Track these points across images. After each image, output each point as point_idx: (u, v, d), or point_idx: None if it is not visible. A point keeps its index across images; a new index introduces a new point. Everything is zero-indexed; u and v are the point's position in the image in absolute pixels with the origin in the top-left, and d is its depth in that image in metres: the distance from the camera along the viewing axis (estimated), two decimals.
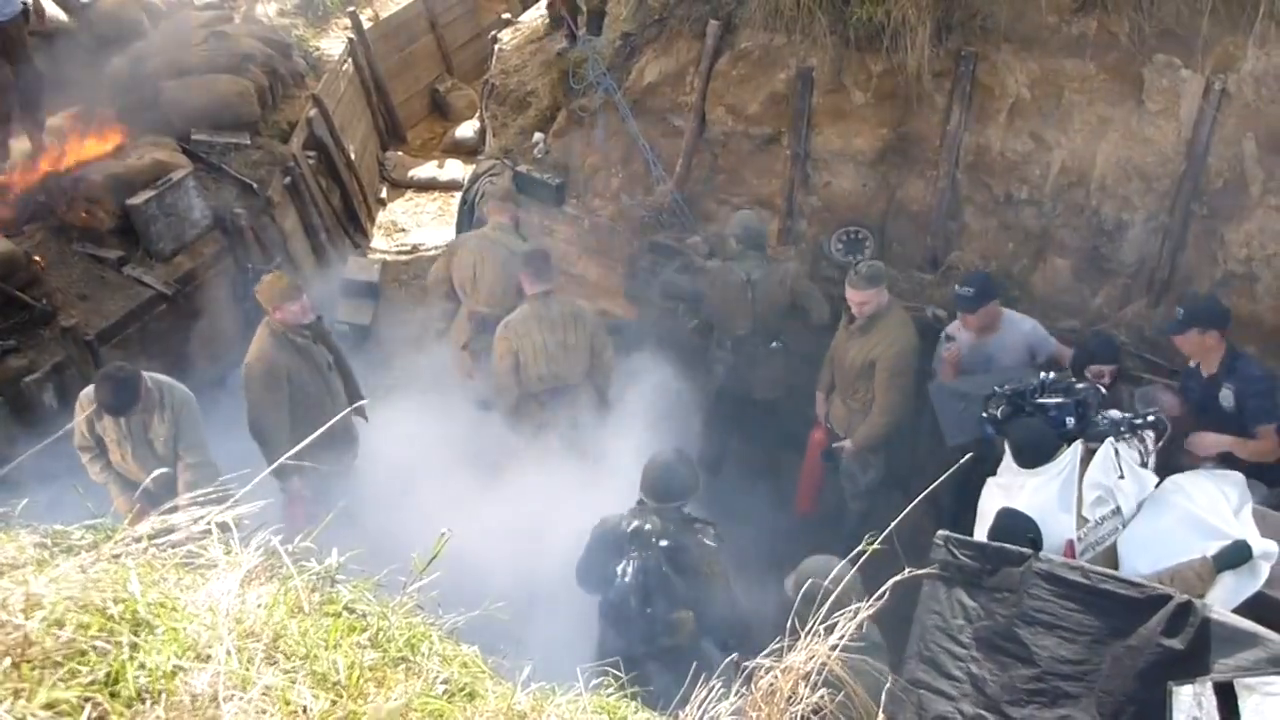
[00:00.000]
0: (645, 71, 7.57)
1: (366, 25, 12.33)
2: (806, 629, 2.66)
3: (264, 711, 1.81)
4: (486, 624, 2.63)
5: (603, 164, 7.94)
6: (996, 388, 4.98)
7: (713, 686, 2.51)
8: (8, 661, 1.72)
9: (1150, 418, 4.68)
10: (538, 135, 8.32)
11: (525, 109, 8.64)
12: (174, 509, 2.27)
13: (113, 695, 1.75)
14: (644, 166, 7.63)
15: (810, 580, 4.18)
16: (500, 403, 6.53)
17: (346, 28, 12.23)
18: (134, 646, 1.83)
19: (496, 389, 6.50)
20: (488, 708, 2.18)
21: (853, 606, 2.71)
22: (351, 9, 12.34)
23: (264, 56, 10.25)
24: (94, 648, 1.80)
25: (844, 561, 4.23)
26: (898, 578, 2.88)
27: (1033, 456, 4.53)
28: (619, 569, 4.67)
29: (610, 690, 2.65)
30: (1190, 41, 5.75)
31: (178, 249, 8.26)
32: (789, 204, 7.19)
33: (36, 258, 7.56)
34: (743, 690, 2.60)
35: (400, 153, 12.79)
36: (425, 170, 12.31)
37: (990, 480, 4.74)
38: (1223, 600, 3.75)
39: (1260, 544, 3.98)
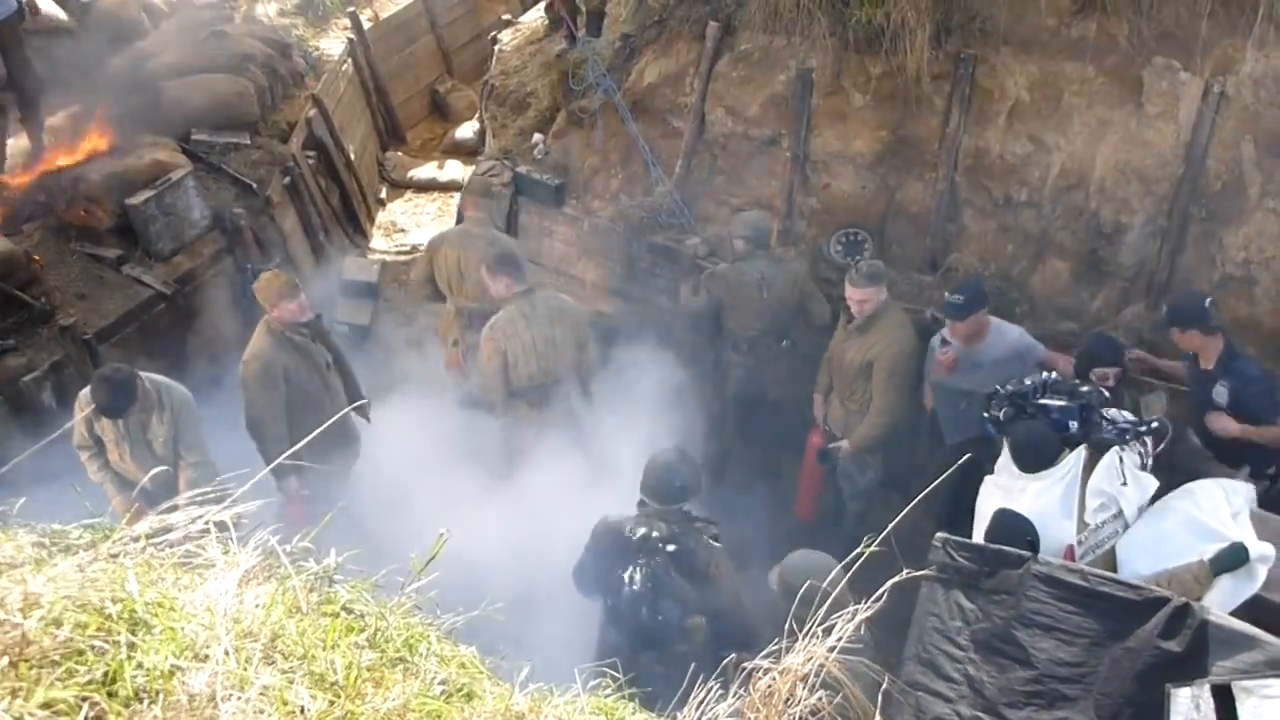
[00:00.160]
0: (645, 73, 7.57)
1: (366, 25, 12.32)
2: (804, 630, 2.67)
3: (261, 711, 1.81)
4: (486, 624, 2.63)
5: (602, 165, 7.94)
6: (999, 387, 4.96)
7: (710, 687, 2.51)
8: (5, 660, 1.72)
9: (1154, 424, 4.67)
10: (537, 136, 8.32)
11: (525, 110, 8.64)
12: (173, 508, 2.28)
13: (110, 695, 1.75)
14: (643, 168, 7.64)
15: (793, 576, 4.21)
16: (486, 401, 6.50)
17: (346, 28, 12.22)
18: (132, 646, 1.83)
19: (484, 389, 6.48)
20: (485, 708, 2.18)
21: (850, 608, 2.71)
22: (351, 9, 12.33)
23: (264, 56, 10.23)
24: (92, 647, 1.80)
25: (825, 556, 4.26)
26: (895, 579, 2.88)
27: (1035, 460, 4.50)
28: (625, 575, 4.58)
29: (608, 691, 2.65)
30: (1189, 44, 5.76)
31: (177, 249, 8.25)
32: (788, 205, 7.19)
33: (35, 257, 7.55)
34: (740, 691, 2.59)
35: (400, 153, 12.78)
36: (425, 171, 12.30)
37: (988, 479, 4.72)
38: (1220, 603, 3.76)
39: (1257, 547, 3.99)
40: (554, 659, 3.21)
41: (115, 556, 2.10)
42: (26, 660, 1.74)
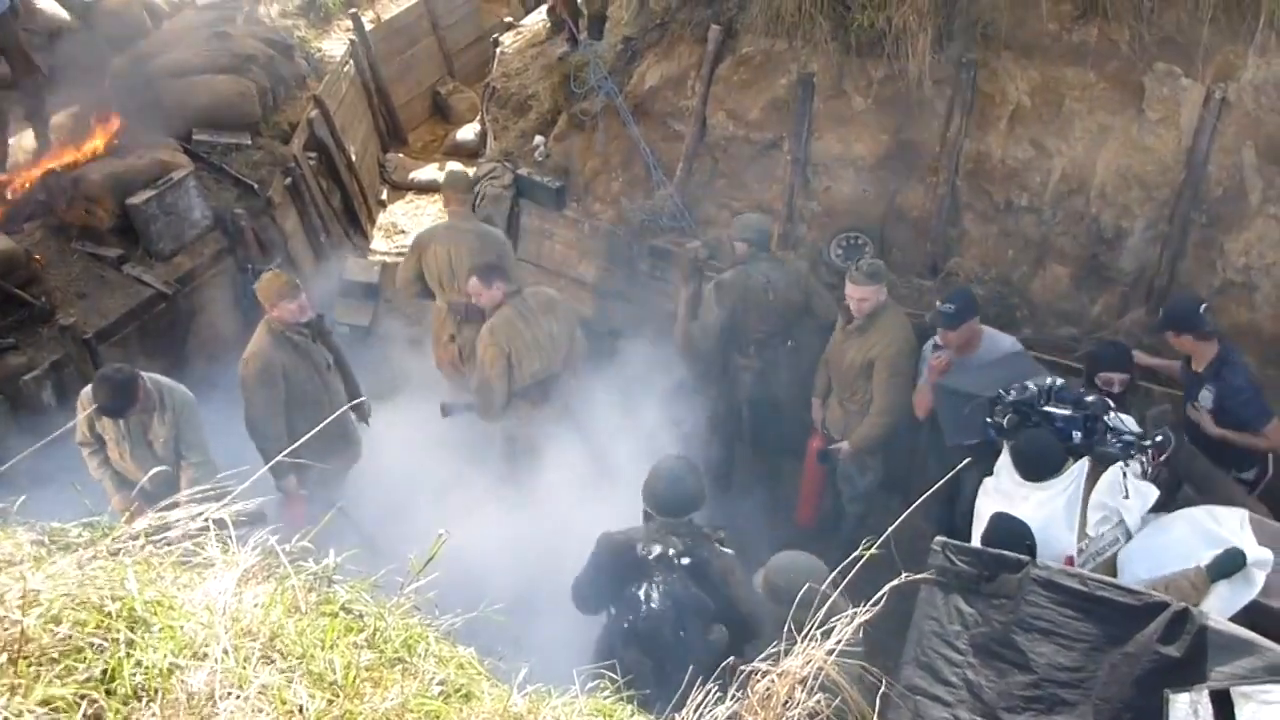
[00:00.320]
0: (646, 76, 7.58)
1: (368, 27, 12.32)
2: (803, 633, 2.66)
3: (260, 710, 1.80)
4: (484, 625, 2.63)
5: (603, 168, 7.95)
6: (1003, 391, 4.91)
7: (708, 690, 2.51)
8: (4, 657, 1.72)
9: (1158, 438, 4.63)
10: (538, 138, 8.33)
11: (526, 112, 8.65)
12: (173, 505, 2.28)
13: (109, 693, 1.75)
14: (644, 170, 7.64)
15: (778, 578, 4.20)
16: (484, 406, 6.46)
17: (348, 29, 12.22)
18: (130, 644, 1.83)
19: (482, 392, 6.40)
20: (483, 709, 2.18)
21: (849, 611, 2.71)
22: (354, 11, 12.34)
23: (266, 57, 10.23)
24: (90, 645, 1.80)
25: (810, 558, 4.25)
26: (894, 582, 2.87)
27: (1039, 470, 4.45)
28: (641, 594, 4.43)
29: (606, 693, 2.64)
30: (1191, 50, 5.77)
31: (177, 248, 8.24)
32: (789, 209, 7.20)
33: (36, 256, 7.55)
34: (738, 694, 2.59)
35: (401, 155, 12.78)
36: (426, 172, 12.29)
37: (987, 481, 4.69)
38: (1218, 609, 3.74)
39: (1255, 551, 3.98)
40: (554, 660, 3.21)
41: (115, 554, 2.10)
42: (26, 657, 1.74)
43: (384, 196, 12.10)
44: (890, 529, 3.01)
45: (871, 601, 2.77)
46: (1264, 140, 5.71)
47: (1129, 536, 4.40)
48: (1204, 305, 5.22)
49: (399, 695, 2.02)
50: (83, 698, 1.71)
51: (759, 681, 2.59)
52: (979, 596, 3.66)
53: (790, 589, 3.78)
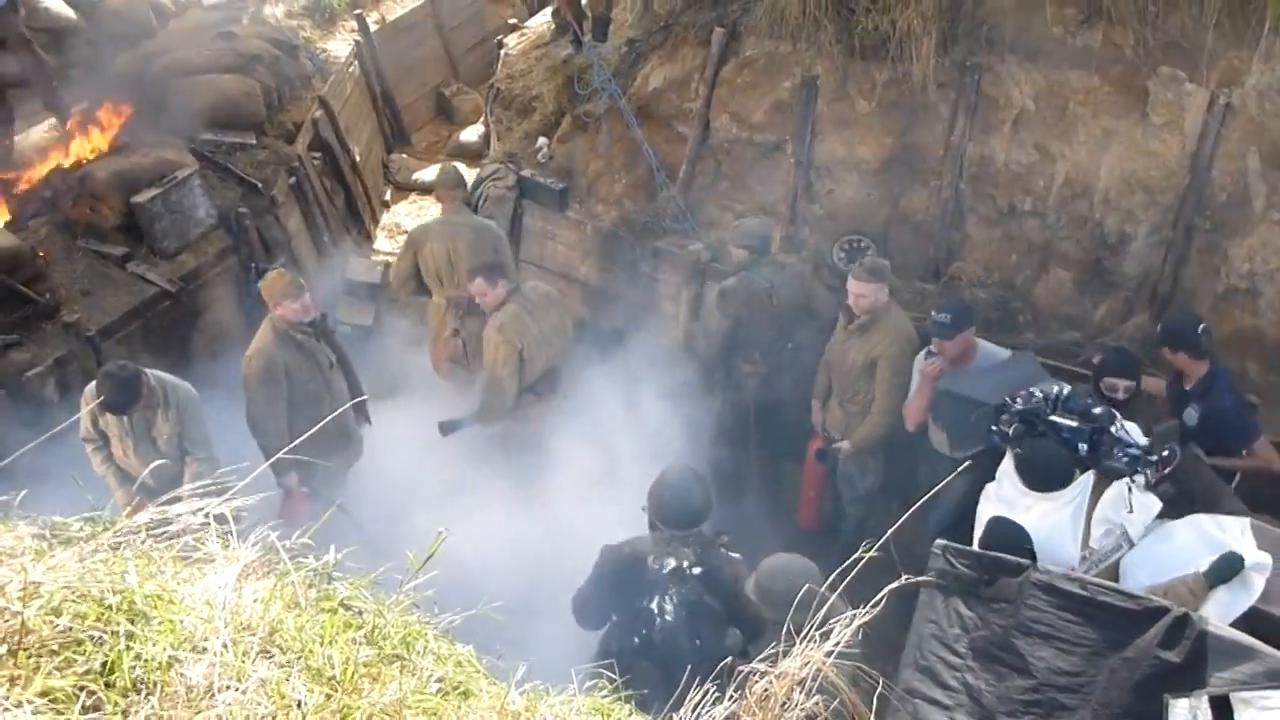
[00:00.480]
0: (650, 78, 7.59)
1: (373, 28, 12.35)
2: (801, 634, 2.66)
3: (258, 704, 1.81)
4: (484, 623, 2.63)
5: (606, 169, 7.96)
6: (1009, 399, 4.85)
7: (706, 690, 2.51)
8: (4, 648, 1.72)
9: (1165, 453, 4.59)
10: (542, 140, 8.34)
11: (530, 114, 8.67)
12: (175, 499, 2.28)
13: (108, 685, 1.75)
14: (647, 172, 7.65)
15: (769, 581, 4.18)
16: (494, 408, 6.45)
17: (353, 30, 12.25)
18: (130, 637, 1.83)
19: (492, 390, 6.41)
20: (481, 706, 2.18)
21: (849, 613, 2.71)
22: (359, 11, 12.37)
23: (271, 57, 10.27)
24: (90, 637, 1.80)
25: (802, 560, 4.24)
26: (893, 585, 2.87)
27: (1045, 481, 4.39)
28: (654, 607, 4.35)
29: (604, 692, 2.64)
30: (1195, 55, 5.76)
31: (182, 247, 8.27)
32: (792, 212, 7.20)
33: (41, 253, 7.59)
34: (736, 695, 2.59)
35: (405, 155, 12.80)
36: (429, 173, 12.27)
37: (989, 488, 4.66)
38: (1217, 615, 3.74)
39: (1254, 555, 3.97)
40: (553, 660, 3.21)
41: (116, 547, 2.11)
42: (25, 649, 1.74)
43: (388, 197, 12.13)
44: (890, 531, 3.01)
45: (871, 604, 2.77)
46: (1268, 146, 5.71)
47: (1132, 545, 4.38)
48: (1202, 326, 5.23)
49: (397, 691, 2.02)
50: (82, 689, 1.71)
51: (757, 682, 2.59)
52: (979, 600, 3.66)
53: (783, 592, 3.78)
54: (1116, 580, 4.25)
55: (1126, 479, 4.37)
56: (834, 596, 2.86)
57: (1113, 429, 4.54)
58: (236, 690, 1.80)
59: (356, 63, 11.87)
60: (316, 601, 2.29)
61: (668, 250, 7.55)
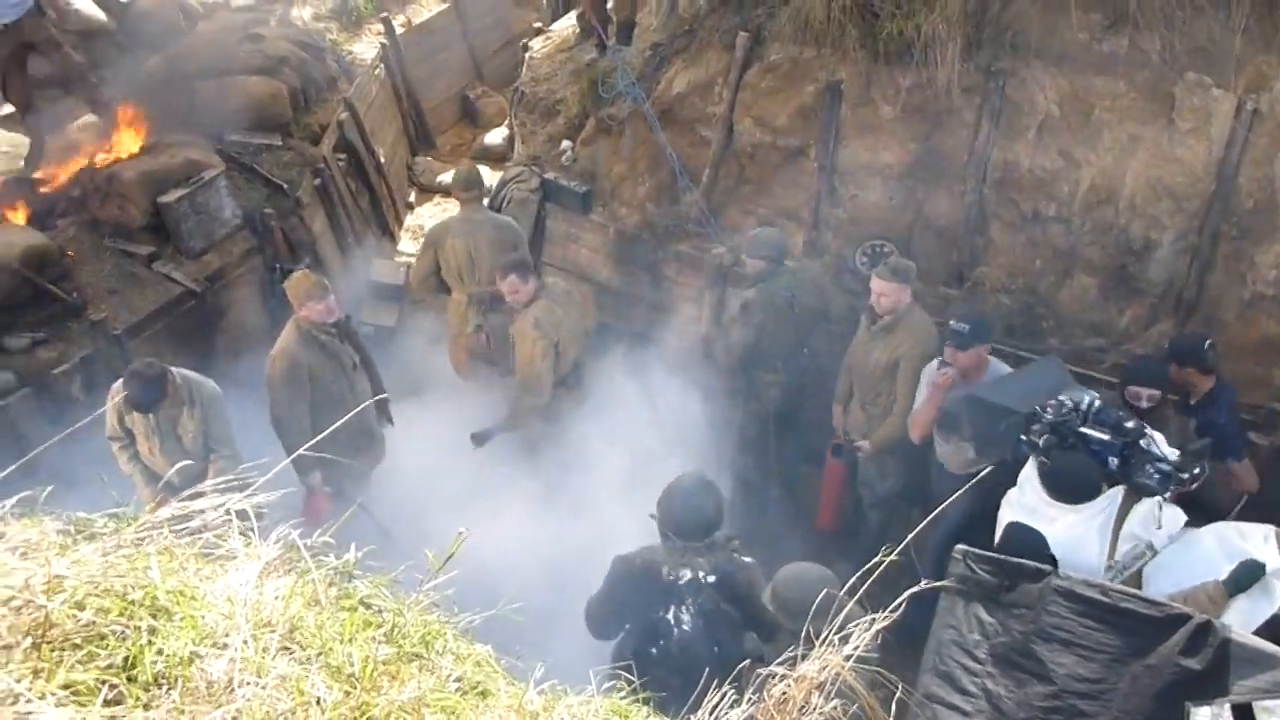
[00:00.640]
0: (674, 82, 7.60)
1: (399, 31, 12.41)
2: (821, 638, 2.66)
3: (278, 700, 1.82)
4: (503, 624, 2.64)
5: (629, 173, 7.97)
6: (1039, 409, 4.78)
7: (724, 693, 2.51)
8: (28, 641, 1.74)
9: (1197, 470, 4.53)
10: (566, 143, 8.36)
11: (554, 117, 8.68)
12: (197, 495, 2.30)
13: (130, 679, 1.77)
14: (671, 176, 7.66)
15: (786, 589, 4.16)
16: (528, 406, 6.49)
17: (379, 33, 12.32)
18: (152, 632, 1.85)
19: (528, 386, 6.41)
20: (499, 705, 2.18)
21: (867, 617, 2.70)
22: (385, 14, 12.44)
23: (297, 60, 10.34)
24: (113, 632, 1.82)
25: (819, 568, 4.22)
26: (913, 590, 2.86)
27: (1073, 494, 4.35)
28: (670, 617, 4.33)
29: (622, 694, 2.65)
30: (1222, 60, 5.72)
31: (207, 247, 8.34)
32: (815, 216, 7.19)
33: (68, 252, 7.67)
34: (754, 697, 2.59)
35: (429, 158, 12.85)
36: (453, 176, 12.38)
37: (1011, 494, 4.62)
38: (1238, 623, 3.70)
39: (1276, 563, 3.92)
40: (571, 661, 3.21)
41: (139, 544, 2.13)
42: (49, 642, 1.76)
43: (412, 199, 12.18)
44: (910, 536, 3.00)
45: (890, 609, 2.76)
46: None
47: (1155, 552, 4.34)
48: (1209, 342, 5.41)
49: (416, 689, 2.03)
50: (104, 683, 1.73)
51: (775, 685, 2.58)
52: (999, 606, 3.64)
53: (800, 601, 3.76)
54: (1140, 587, 4.22)
55: (1158, 498, 4.31)
56: (851, 602, 2.85)
57: (1142, 442, 4.49)
58: (256, 686, 1.81)
59: (382, 65, 11.93)
60: (337, 599, 2.30)
61: (690, 254, 7.55)
